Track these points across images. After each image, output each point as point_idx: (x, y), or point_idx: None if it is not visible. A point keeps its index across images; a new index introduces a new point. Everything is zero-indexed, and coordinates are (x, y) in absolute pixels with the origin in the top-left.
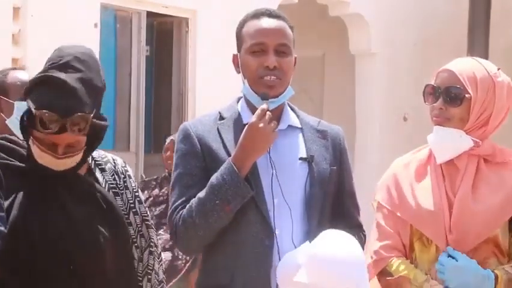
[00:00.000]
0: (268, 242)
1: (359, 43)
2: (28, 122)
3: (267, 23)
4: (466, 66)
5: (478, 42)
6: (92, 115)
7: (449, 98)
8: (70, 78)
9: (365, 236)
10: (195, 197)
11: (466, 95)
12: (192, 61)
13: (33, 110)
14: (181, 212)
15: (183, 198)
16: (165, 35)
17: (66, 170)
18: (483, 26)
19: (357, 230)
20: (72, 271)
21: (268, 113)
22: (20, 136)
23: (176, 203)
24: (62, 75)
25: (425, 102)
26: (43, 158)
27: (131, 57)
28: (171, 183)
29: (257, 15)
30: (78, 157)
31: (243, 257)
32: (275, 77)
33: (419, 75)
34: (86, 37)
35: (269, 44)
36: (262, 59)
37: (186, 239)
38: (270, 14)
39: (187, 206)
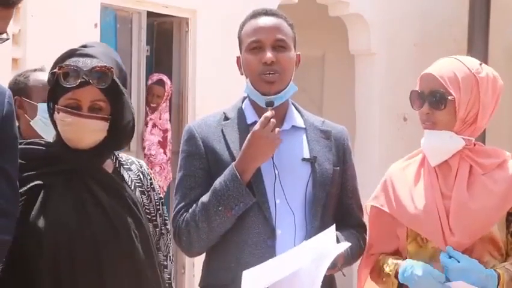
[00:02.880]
0: (270, 242)
1: (358, 43)
2: (53, 98)
3: (263, 21)
4: (446, 68)
5: (478, 42)
6: (113, 69)
7: (433, 102)
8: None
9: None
10: (197, 198)
11: (449, 97)
12: (192, 61)
13: (56, 71)
14: (184, 215)
15: (186, 201)
16: (165, 35)
17: (92, 151)
18: (483, 26)
19: (360, 230)
20: (102, 266)
21: (272, 120)
22: (45, 136)
23: (179, 206)
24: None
25: (412, 108)
26: (68, 121)
27: (131, 57)
28: (175, 184)
29: (254, 15)
30: (102, 126)
31: (245, 257)
32: (274, 72)
33: (419, 75)
34: (86, 37)
35: (265, 41)
36: (260, 55)
37: (189, 241)
38: (267, 13)
39: (191, 210)
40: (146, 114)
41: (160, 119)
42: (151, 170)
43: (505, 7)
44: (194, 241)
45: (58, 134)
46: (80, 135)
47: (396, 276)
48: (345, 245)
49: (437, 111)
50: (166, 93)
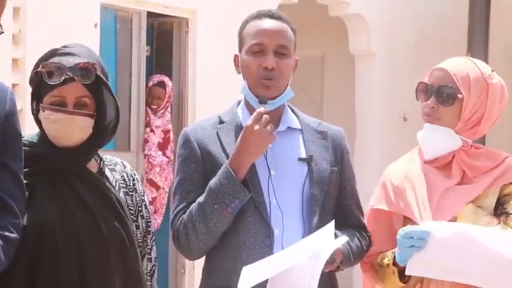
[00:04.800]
0: (268, 242)
1: (358, 43)
2: (37, 98)
3: (267, 23)
4: (460, 66)
5: (478, 42)
6: (96, 66)
7: (441, 97)
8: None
9: (368, 236)
10: (195, 201)
11: (459, 95)
12: (192, 61)
13: (39, 70)
14: (181, 217)
15: (184, 204)
16: (165, 35)
17: (77, 149)
18: (483, 26)
19: (360, 231)
20: (84, 266)
21: (264, 116)
22: None
23: (178, 209)
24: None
25: (417, 100)
26: (54, 118)
27: (131, 57)
28: (174, 188)
29: (259, 16)
30: (88, 122)
31: (242, 258)
32: (272, 78)
33: (419, 75)
34: (86, 37)
35: (268, 45)
36: (261, 59)
37: (187, 244)
38: (272, 16)
39: (187, 211)
40: (148, 115)
41: (162, 121)
42: (151, 170)
43: (505, 7)
44: (192, 243)
45: (42, 134)
46: (67, 132)
47: (394, 264)
48: (343, 239)
49: (443, 106)
50: (167, 95)
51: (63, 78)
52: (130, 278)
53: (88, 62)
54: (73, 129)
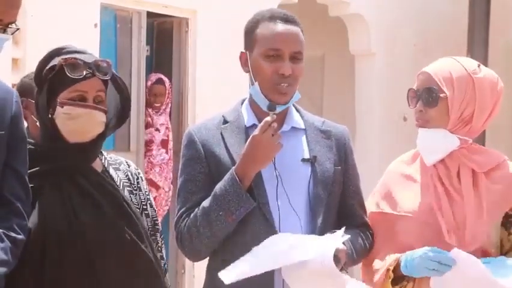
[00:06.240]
0: None
1: (358, 43)
2: (52, 93)
3: (283, 28)
4: (441, 67)
5: (478, 42)
6: (111, 63)
7: (426, 99)
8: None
9: (372, 234)
10: (198, 202)
11: (441, 95)
12: (192, 61)
13: (59, 63)
14: (186, 219)
15: (187, 205)
16: (165, 35)
17: (86, 145)
18: (483, 26)
19: (363, 229)
20: (93, 266)
21: (272, 124)
22: None
23: (181, 210)
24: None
25: (409, 106)
26: (76, 113)
27: (131, 57)
28: (177, 189)
29: (273, 17)
30: (104, 118)
31: None
32: (288, 84)
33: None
34: (86, 37)
35: (285, 51)
36: (278, 65)
37: (191, 246)
38: (287, 19)
39: (192, 214)
40: (150, 116)
41: (164, 117)
42: (151, 170)
43: (505, 7)
44: (196, 246)
45: (44, 132)
46: (87, 128)
47: (394, 271)
48: (344, 237)
49: (429, 108)
50: (167, 91)
51: (85, 72)
52: (141, 275)
53: (104, 60)
54: (93, 125)
